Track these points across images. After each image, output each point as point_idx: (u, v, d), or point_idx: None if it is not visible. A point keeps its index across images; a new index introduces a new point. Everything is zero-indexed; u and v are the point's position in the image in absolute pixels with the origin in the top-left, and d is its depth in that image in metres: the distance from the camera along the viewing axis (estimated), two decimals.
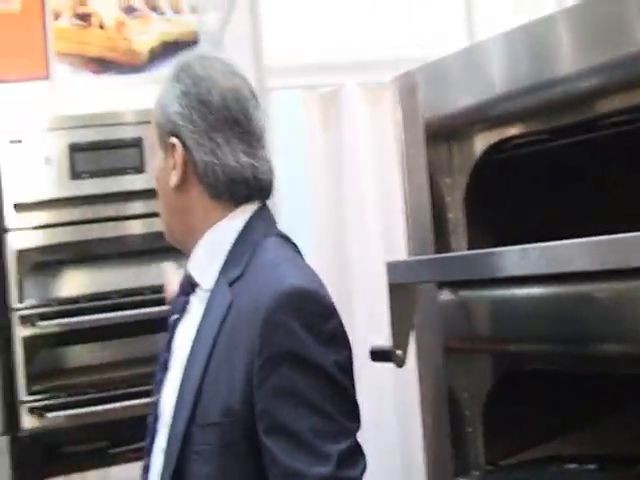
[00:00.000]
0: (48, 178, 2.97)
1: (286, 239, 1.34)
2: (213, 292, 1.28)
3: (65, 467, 2.96)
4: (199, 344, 1.25)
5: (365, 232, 3.64)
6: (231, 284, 1.25)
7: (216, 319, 1.23)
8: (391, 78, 1.74)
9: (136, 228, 3.05)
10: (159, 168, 1.35)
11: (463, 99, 1.58)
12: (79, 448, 2.97)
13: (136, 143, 3.02)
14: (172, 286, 1.61)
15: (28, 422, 2.94)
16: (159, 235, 1.49)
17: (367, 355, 1.57)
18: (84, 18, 3.72)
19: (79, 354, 3.25)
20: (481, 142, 1.63)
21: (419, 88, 1.66)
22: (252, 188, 1.30)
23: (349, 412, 1.19)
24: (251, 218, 1.30)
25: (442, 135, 1.67)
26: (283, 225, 1.41)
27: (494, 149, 1.60)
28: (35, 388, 2.94)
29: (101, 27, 3.73)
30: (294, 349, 1.15)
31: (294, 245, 1.35)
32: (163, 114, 1.31)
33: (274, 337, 1.15)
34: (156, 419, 1.32)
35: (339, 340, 1.22)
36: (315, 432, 1.11)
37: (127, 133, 3.04)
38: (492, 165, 1.63)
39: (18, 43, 3.66)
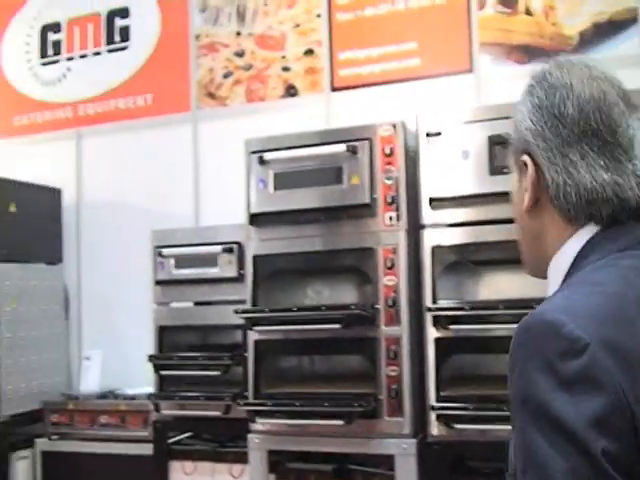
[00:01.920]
0: (466, 173, 2.80)
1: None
2: None
3: None
4: None
5: None
6: None
7: None
8: None
9: None
10: (515, 190, 1.22)
11: None
12: (486, 465, 2.75)
13: None
14: None
15: (436, 429, 2.81)
16: None
17: None
18: (510, 5, 3.51)
19: (488, 362, 3.03)
20: None
21: None
22: (615, 208, 1.07)
23: None
24: (592, 239, 1.09)
25: None
26: None
27: None
28: (444, 394, 2.80)
29: (528, 13, 3.47)
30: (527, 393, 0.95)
31: None
32: (516, 131, 1.19)
33: (511, 377, 0.99)
34: None
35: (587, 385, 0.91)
36: None
37: None
38: None
39: (443, 37, 3.60)
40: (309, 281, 3.28)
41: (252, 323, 3.04)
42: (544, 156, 1.11)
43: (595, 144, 1.08)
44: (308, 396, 3.01)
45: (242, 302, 3.22)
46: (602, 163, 1.07)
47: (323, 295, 3.27)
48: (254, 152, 3.11)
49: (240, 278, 3.33)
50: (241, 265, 3.35)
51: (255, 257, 3.14)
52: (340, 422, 2.87)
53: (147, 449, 3.48)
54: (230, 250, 3.39)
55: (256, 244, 3.15)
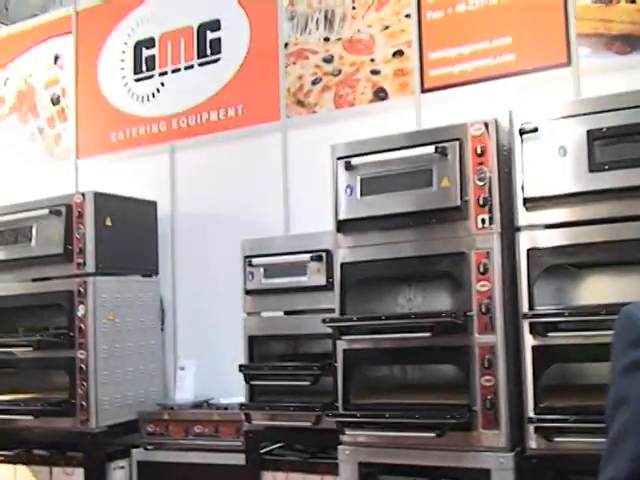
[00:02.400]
0: (563, 170, 2.64)
1: None
2: None
3: None
4: None
5: None
6: None
7: None
8: None
9: None
10: None
11: None
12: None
13: None
14: None
15: (535, 442, 2.65)
16: None
17: None
18: None
19: (590, 371, 2.84)
20: None
21: None
22: None
23: None
24: None
25: None
26: None
27: None
28: (543, 405, 2.63)
29: (631, 1, 3.26)
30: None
31: None
32: None
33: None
34: None
35: None
36: None
37: None
38: None
39: (538, 30, 3.44)
40: (399, 288, 3.18)
41: (340, 332, 2.97)
42: None
43: None
44: (398, 407, 2.91)
45: (331, 310, 3.16)
46: None
47: (415, 302, 3.17)
48: (340, 158, 3.04)
49: (329, 286, 3.27)
50: (330, 273, 3.29)
51: (343, 264, 3.07)
52: (432, 434, 2.75)
53: (239, 459, 3.46)
54: (319, 258, 3.33)
55: (344, 251, 3.07)
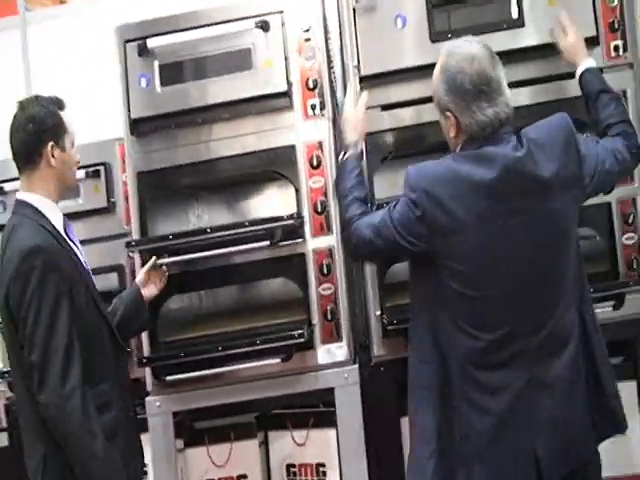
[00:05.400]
0: (402, 43, 2.39)
1: None
2: None
3: None
4: None
5: None
6: None
7: None
8: None
9: None
10: (443, 124, 1.91)
11: None
12: None
13: None
14: None
15: (380, 347, 2.40)
16: None
17: None
18: None
19: None
20: None
21: None
22: (495, 125, 1.79)
23: None
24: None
25: None
26: None
27: None
28: (389, 305, 2.36)
29: None
30: None
31: None
32: (437, 98, 1.88)
33: None
34: None
35: None
36: None
37: None
38: None
39: None
40: (211, 199, 2.68)
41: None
42: (459, 111, 1.79)
43: (482, 97, 1.76)
44: (228, 336, 2.44)
45: (117, 238, 2.60)
46: (487, 105, 1.76)
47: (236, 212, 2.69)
48: (130, 40, 2.48)
49: (111, 208, 2.68)
50: (111, 193, 2.70)
51: (140, 174, 2.50)
52: (276, 360, 2.34)
53: None
54: (96, 174, 2.71)
55: (139, 158, 2.51)
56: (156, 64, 2.47)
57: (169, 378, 2.38)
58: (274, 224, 2.35)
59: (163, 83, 2.47)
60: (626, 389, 2.06)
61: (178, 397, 2.45)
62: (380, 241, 1.84)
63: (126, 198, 2.64)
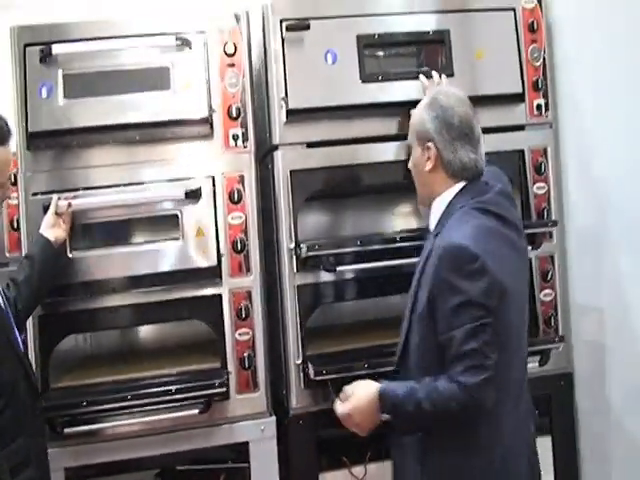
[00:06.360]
0: (332, 79, 2.27)
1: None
2: (427, 240, 1.87)
3: None
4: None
5: None
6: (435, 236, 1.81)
7: (423, 257, 1.82)
8: None
9: None
10: (417, 156, 1.88)
11: None
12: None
13: None
14: None
15: (299, 398, 2.26)
16: None
17: None
18: None
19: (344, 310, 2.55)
20: None
21: None
22: (474, 173, 1.82)
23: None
24: (460, 189, 1.82)
25: None
26: None
27: None
28: (309, 354, 2.24)
29: None
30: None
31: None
32: (420, 127, 1.86)
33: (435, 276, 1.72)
34: None
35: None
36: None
37: None
38: None
39: None
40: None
41: None
42: (442, 144, 1.80)
43: (466, 139, 1.80)
44: (132, 384, 2.18)
45: None
46: (470, 149, 1.80)
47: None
48: (31, 44, 2.17)
49: None
50: None
51: (35, 195, 2.19)
52: (193, 411, 2.13)
53: None
54: None
55: (36, 178, 2.20)
56: (60, 73, 2.18)
57: (68, 431, 2.09)
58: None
59: (67, 95, 2.18)
60: (542, 444, 2.06)
61: (73, 450, 2.16)
62: (489, 351, 1.63)
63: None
